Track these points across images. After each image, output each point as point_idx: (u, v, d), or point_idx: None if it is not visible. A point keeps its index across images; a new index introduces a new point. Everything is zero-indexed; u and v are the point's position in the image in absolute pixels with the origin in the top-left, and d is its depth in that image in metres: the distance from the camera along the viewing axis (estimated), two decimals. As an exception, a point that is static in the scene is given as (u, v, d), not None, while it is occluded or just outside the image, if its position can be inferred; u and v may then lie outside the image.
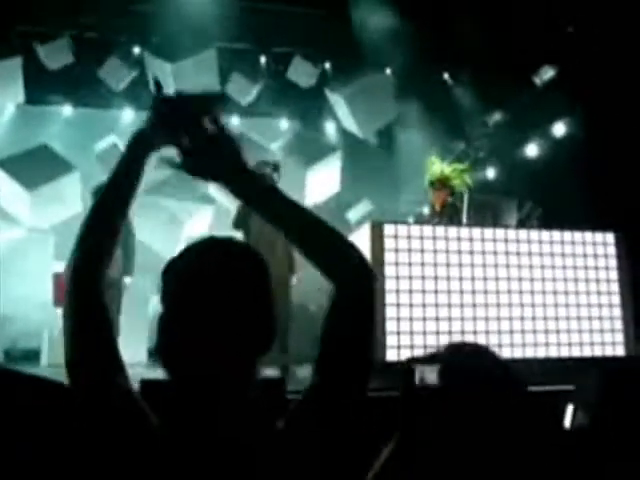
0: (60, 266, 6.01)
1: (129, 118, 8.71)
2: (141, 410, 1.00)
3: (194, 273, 1.02)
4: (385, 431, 1.10)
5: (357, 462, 1.12)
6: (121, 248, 5.78)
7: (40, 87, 7.56)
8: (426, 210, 6.30)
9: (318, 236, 1.07)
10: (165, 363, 1.01)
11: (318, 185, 6.55)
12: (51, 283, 6.07)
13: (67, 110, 8.63)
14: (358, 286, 1.05)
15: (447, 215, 5.04)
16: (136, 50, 7.50)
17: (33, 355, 6.40)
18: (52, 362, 5.76)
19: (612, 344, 4.32)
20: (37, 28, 7.15)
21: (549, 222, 4.87)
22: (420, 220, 5.86)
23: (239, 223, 4.90)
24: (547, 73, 6.54)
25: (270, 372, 4.27)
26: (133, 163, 1.14)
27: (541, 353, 4.17)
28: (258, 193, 1.08)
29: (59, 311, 6.16)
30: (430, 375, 1.00)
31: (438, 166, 5.12)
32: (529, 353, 4.11)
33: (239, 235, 4.87)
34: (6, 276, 6.87)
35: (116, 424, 0.98)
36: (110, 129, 8.33)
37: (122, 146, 7.88)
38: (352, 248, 1.08)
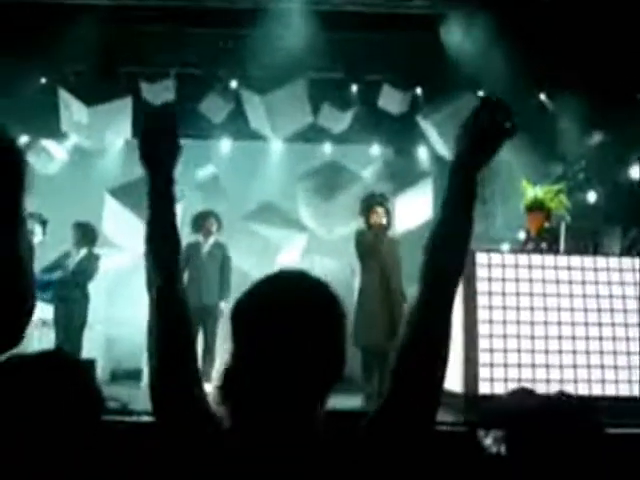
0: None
1: (227, 148, 9.10)
2: (212, 416, 1.05)
3: (264, 314, 1.04)
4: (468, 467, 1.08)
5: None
6: (218, 273, 6.03)
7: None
8: (522, 235, 6.09)
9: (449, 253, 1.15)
10: (234, 402, 1.04)
11: (409, 211, 6.50)
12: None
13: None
14: (442, 320, 1.11)
15: (544, 240, 4.83)
16: (233, 84, 7.86)
17: (135, 375, 6.75)
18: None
19: None
20: (142, 68, 7.67)
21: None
22: (515, 246, 5.66)
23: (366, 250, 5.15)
24: (653, 90, 6.17)
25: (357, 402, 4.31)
26: (157, 189, 1.28)
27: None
28: None
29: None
30: (493, 442, 0.98)
31: (531, 190, 4.96)
32: (636, 391, 3.83)
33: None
34: (113, 300, 7.34)
35: (189, 431, 1.04)
36: (209, 159, 8.74)
37: (219, 175, 8.27)
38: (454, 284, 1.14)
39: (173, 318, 1.17)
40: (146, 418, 3.35)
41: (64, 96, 7.12)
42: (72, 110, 7.14)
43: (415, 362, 1.06)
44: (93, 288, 6.38)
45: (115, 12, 6.66)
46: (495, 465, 1.01)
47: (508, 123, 1.17)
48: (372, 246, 5.07)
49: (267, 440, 1.00)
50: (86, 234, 6.22)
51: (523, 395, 1.11)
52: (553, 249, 4.48)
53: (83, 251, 6.24)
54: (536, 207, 4.92)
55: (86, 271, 6.17)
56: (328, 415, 1.08)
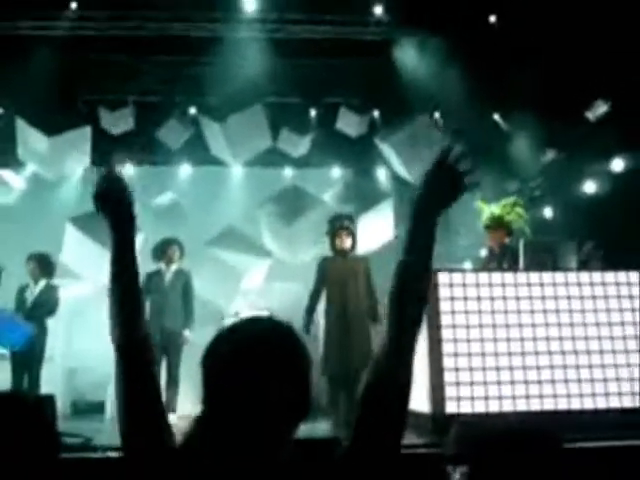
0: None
1: (187, 174, 9.04)
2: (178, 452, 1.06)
3: (232, 361, 1.06)
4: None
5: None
6: (181, 301, 5.95)
7: (104, 149, 7.98)
8: (483, 253, 6.19)
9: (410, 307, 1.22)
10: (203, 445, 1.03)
11: (371, 232, 6.55)
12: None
13: (129, 169, 9.04)
14: (405, 367, 1.15)
15: (505, 257, 4.94)
16: (192, 110, 7.85)
17: (99, 407, 6.56)
18: (115, 415, 5.88)
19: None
20: (101, 96, 7.60)
21: (612, 263, 4.68)
22: (478, 264, 5.76)
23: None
24: (600, 108, 6.41)
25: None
26: (119, 238, 1.32)
27: (614, 403, 3.95)
28: None
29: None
30: (461, 477, 1.01)
31: (487, 208, 5.09)
32: (601, 404, 3.90)
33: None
34: (73, 331, 7.15)
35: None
36: (169, 185, 8.67)
37: (179, 200, 8.19)
38: (415, 335, 1.21)
39: (138, 362, 1.18)
40: (112, 454, 3.25)
41: (21, 125, 7.00)
42: (30, 139, 7.02)
43: (381, 399, 1.11)
44: (52, 319, 6.21)
45: (72, 42, 6.61)
46: None
47: (468, 175, 1.25)
48: (331, 274, 5.11)
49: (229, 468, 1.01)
50: (44, 265, 6.07)
51: (486, 424, 1.14)
52: (514, 266, 4.58)
53: (42, 283, 6.08)
54: (495, 224, 5.05)
55: (47, 304, 6.01)
56: (298, 444, 1.09)
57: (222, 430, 1.03)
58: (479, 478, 1.06)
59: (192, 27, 6.69)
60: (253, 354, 1.05)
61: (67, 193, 8.62)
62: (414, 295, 1.21)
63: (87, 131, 7.33)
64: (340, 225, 5.25)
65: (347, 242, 5.20)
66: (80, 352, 7.09)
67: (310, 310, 5.17)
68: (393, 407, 1.11)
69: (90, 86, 7.52)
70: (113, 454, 3.23)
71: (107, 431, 5.20)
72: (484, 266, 5.12)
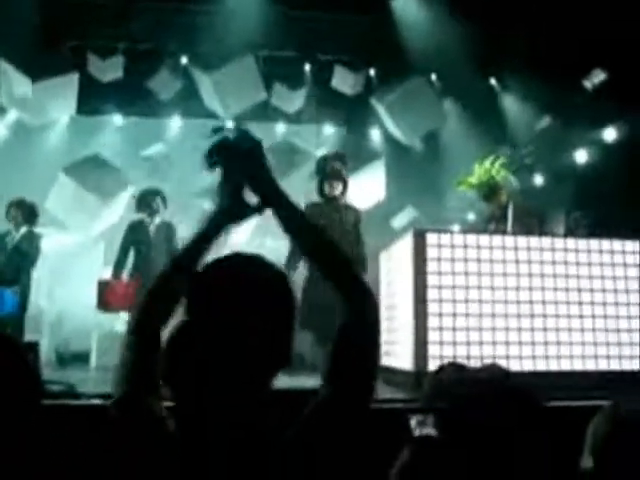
0: (108, 270, 6.21)
1: (177, 126, 8.91)
2: (162, 420, 1.04)
3: (217, 290, 1.05)
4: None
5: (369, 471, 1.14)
6: (165, 254, 5.92)
7: (92, 98, 7.82)
8: (471, 216, 6.19)
9: (328, 259, 1.17)
10: (176, 374, 1.02)
11: (362, 192, 6.53)
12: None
13: (118, 119, 8.90)
14: (365, 309, 1.13)
15: (514, 216, 4.72)
16: (184, 60, 7.68)
17: (84, 357, 6.60)
18: (100, 364, 5.93)
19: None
20: (89, 42, 7.39)
21: (599, 230, 4.72)
22: (465, 227, 5.73)
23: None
24: (598, 76, 6.36)
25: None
26: (209, 236, 1.21)
27: (590, 366, 4.04)
28: (285, 205, 1.19)
29: (105, 315, 6.32)
30: (427, 426, 1.02)
31: (471, 180, 4.80)
32: (577, 366, 3.98)
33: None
34: (59, 280, 7.14)
35: (140, 435, 1.03)
36: (159, 137, 8.55)
37: (169, 152, 8.09)
38: (356, 276, 1.18)
39: (149, 348, 1.13)
40: (95, 401, 3.27)
41: (4, 69, 6.79)
42: (13, 84, 6.83)
43: (352, 341, 1.11)
44: (37, 268, 6.18)
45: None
46: (422, 447, 1.04)
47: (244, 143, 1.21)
48: (318, 222, 4.81)
49: (213, 421, 1.01)
50: (26, 212, 5.99)
51: (453, 371, 1.14)
52: (527, 224, 4.53)
53: (23, 230, 6.01)
54: (491, 190, 4.87)
55: (28, 250, 5.95)
56: (278, 395, 1.08)
57: (199, 363, 1.01)
58: (445, 424, 1.07)
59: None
60: (241, 285, 1.05)
61: (51, 141, 8.50)
62: (324, 249, 1.18)
63: (74, 78, 7.15)
64: (331, 169, 4.86)
65: (337, 188, 4.84)
66: (64, 302, 7.10)
67: (291, 258, 4.54)
68: (364, 349, 1.10)
69: (78, 30, 7.30)
70: (97, 401, 3.25)
71: (91, 379, 5.25)
72: (487, 228, 4.93)
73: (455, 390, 1.12)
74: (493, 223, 4.82)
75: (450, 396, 1.11)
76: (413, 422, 1.06)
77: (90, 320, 6.61)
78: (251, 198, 1.21)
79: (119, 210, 6.64)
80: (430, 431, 1.04)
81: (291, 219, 1.19)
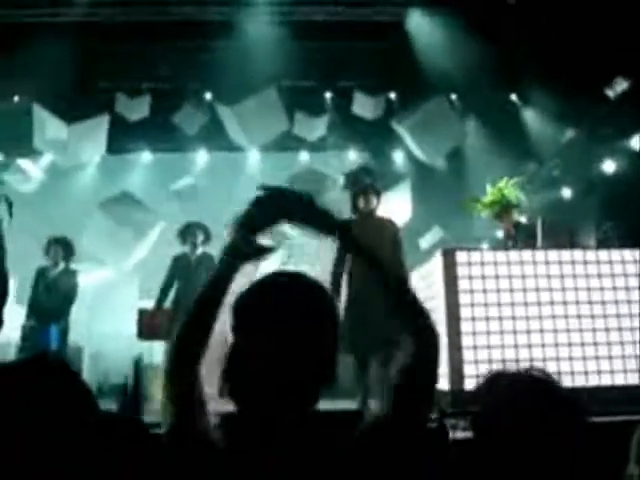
0: (143, 303, 6.33)
1: (203, 159, 9.11)
2: (212, 441, 1.07)
3: (263, 308, 1.08)
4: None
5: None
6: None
7: (120, 137, 8.06)
8: (500, 234, 6.13)
9: (398, 296, 1.21)
10: (232, 392, 1.07)
11: (389, 214, 6.54)
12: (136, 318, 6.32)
13: (146, 156, 9.14)
14: (430, 345, 1.17)
15: (522, 236, 4.81)
16: (208, 96, 7.88)
17: (121, 389, 6.68)
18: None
19: None
20: (118, 83, 7.65)
21: (631, 241, 4.65)
22: (494, 244, 5.70)
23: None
24: (620, 85, 6.31)
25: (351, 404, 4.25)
26: (228, 272, 1.21)
27: (633, 380, 3.95)
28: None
29: (144, 344, 6.41)
30: (461, 429, 1.03)
31: (485, 202, 4.79)
32: (618, 380, 3.90)
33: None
34: (97, 314, 7.30)
35: (190, 454, 1.06)
36: (186, 170, 8.75)
37: (197, 185, 8.26)
38: (425, 317, 1.20)
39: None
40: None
41: (39, 114, 7.06)
42: (47, 128, 7.09)
43: (415, 376, 1.14)
44: (75, 304, 6.32)
45: (87, 29, 6.66)
46: (462, 451, 1.06)
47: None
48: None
49: (266, 434, 1.03)
50: (65, 249, 6.17)
51: (494, 378, 1.15)
52: (529, 245, 4.55)
53: (61, 266, 6.18)
54: (505, 208, 4.87)
55: (66, 287, 6.09)
56: (320, 415, 1.11)
57: (251, 381, 1.04)
58: (482, 427, 1.08)
59: (205, 12, 6.70)
60: (288, 301, 1.07)
61: (84, 180, 8.77)
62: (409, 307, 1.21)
63: (104, 119, 7.40)
64: (364, 182, 4.68)
65: (373, 202, 4.58)
66: (102, 336, 7.24)
67: (335, 280, 4.32)
68: (426, 383, 1.15)
69: (106, 73, 7.58)
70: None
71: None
72: (504, 247, 4.96)
73: (489, 394, 1.13)
74: (510, 242, 4.79)
75: (485, 399, 1.13)
76: (447, 425, 1.08)
77: (128, 352, 6.72)
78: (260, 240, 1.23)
79: (150, 244, 6.79)
80: (464, 434, 1.06)
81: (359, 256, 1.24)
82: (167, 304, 5.89)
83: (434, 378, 1.18)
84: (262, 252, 1.21)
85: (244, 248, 1.20)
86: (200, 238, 6.03)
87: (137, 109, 7.61)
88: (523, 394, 1.09)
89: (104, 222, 6.70)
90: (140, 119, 7.77)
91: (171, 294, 5.91)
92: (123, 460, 1.26)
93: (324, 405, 1.15)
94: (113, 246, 6.70)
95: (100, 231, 6.76)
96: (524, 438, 1.03)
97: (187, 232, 6.05)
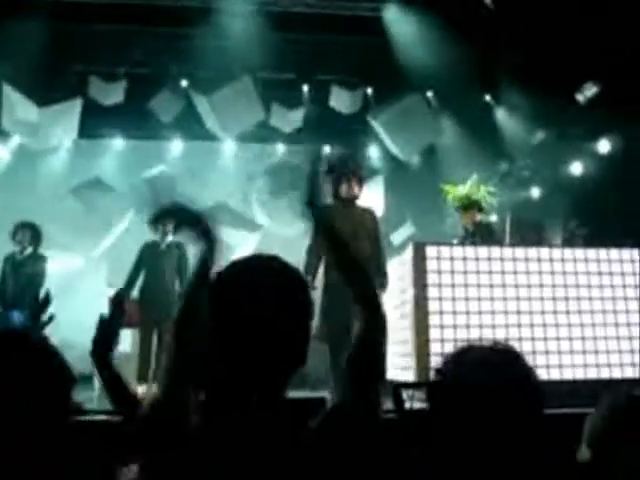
0: (112, 291, 6.26)
1: (178, 148, 9.03)
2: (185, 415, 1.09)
3: (236, 292, 1.09)
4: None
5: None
6: (175, 273, 5.96)
7: (93, 121, 7.93)
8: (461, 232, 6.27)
9: (354, 281, 1.27)
10: (205, 377, 1.08)
11: (362, 207, 6.60)
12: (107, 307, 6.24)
13: (119, 142, 9.02)
14: (377, 319, 1.23)
15: (480, 234, 4.99)
16: (184, 83, 7.80)
17: (88, 380, 6.60)
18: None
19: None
20: (92, 67, 7.52)
21: (595, 240, 4.78)
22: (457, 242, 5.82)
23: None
24: (590, 90, 6.47)
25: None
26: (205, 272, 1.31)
27: (592, 374, 4.07)
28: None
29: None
30: (414, 399, 1.06)
31: (454, 190, 5.10)
32: (579, 374, 4.02)
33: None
34: (64, 302, 7.19)
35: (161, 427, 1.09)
36: (160, 158, 8.66)
37: (171, 174, 8.19)
38: (376, 305, 1.26)
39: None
40: (101, 417, 3.32)
41: (9, 94, 6.89)
42: (17, 109, 6.94)
43: (363, 364, 1.19)
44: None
45: (63, 9, 6.52)
46: (415, 420, 1.10)
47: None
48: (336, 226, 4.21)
49: (237, 421, 1.05)
50: (34, 235, 6.06)
51: (458, 353, 1.18)
52: (489, 241, 4.67)
53: (28, 251, 6.07)
54: (464, 204, 5.14)
55: (34, 272, 5.99)
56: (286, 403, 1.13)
57: (226, 363, 1.06)
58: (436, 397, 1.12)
59: (185, -2, 6.64)
60: (264, 283, 1.09)
61: (54, 164, 8.60)
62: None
63: (77, 103, 7.27)
64: (350, 169, 4.48)
65: (356, 189, 4.41)
66: (68, 325, 7.13)
67: (308, 268, 4.22)
68: (374, 369, 1.18)
69: (81, 56, 7.44)
70: (103, 417, 3.30)
71: (96, 399, 5.26)
72: (461, 243, 5.16)
73: (451, 365, 1.16)
74: (468, 238, 4.94)
75: (445, 371, 1.16)
76: (405, 395, 1.11)
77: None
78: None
79: (120, 231, 6.72)
80: (421, 404, 1.09)
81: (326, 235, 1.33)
82: (135, 292, 5.84)
83: (381, 354, 1.22)
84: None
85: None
86: (170, 226, 5.97)
87: (112, 94, 7.49)
88: (479, 366, 1.12)
89: (74, 208, 6.61)
90: (114, 104, 7.65)
91: (139, 282, 5.86)
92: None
93: (300, 394, 1.18)
94: (82, 233, 6.63)
95: (69, 217, 6.67)
96: (478, 408, 1.06)
97: (157, 220, 5.98)
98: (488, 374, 1.10)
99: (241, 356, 1.05)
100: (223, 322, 1.08)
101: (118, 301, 1.79)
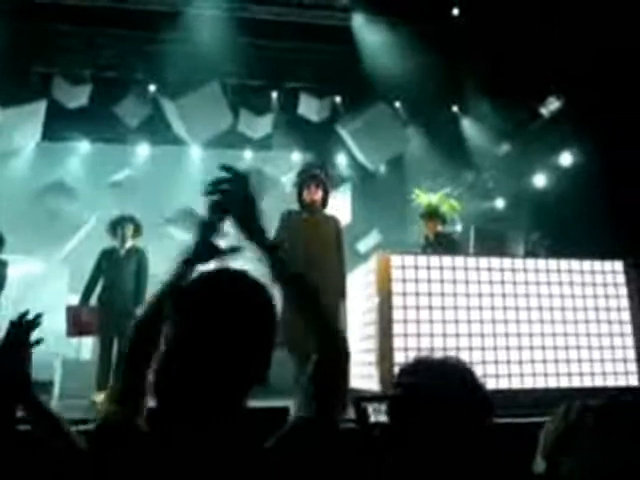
0: (72, 297, 6.12)
1: (144, 152, 8.92)
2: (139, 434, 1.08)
3: (202, 305, 1.07)
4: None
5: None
6: (134, 279, 5.85)
7: (58, 124, 7.78)
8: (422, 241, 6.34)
9: (311, 315, 1.27)
10: (161, 386, 1.06)
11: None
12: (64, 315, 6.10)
13: (84, 146, 8.87)
14: (338, 357, 1.22)
15: (441, 245, 5.08)
16: (152, 88, 7.72)
17: (47, 387, 6.44)
18: (63, 393, 5.81)
19: (625, 374, 4.27)
20: (57, 69, 7.39)
21: (557, 251, 4.88)
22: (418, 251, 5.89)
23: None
24: (553, 104, 6.62)
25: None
26: (186, 274, 1.29)
27: (552, 383, 4.13)
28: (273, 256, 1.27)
29: (72, 342, 6.20)
30: (380, 413, 1.07)
31: (424, 197, 5.20)
32: (540, 383, 4.08)
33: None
34: (23, 308, 7.00)
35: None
36: (126, 162, 8.55)
37: (136, 178, 8.08)
38: (332, 330, 1.26)
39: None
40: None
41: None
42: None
43: (326, 378, 1.19)
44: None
45: (28, 10, 6.40)
46: (377, 434, 1.10)
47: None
48: (296, 232, 4.20)
49: (192, 432, 1.03)
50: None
51: (412, 365, 1.19)
52: (450, 251, 4.74)
53: (-12, 256, 5.91)
54: (430, 214, 5.23)
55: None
56: (251, 412, 1.12)
57: (184, 373, 1.04)
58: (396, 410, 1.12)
59: (153, 1, 6.57)
60: (227, 299, 1.08)
61: (17, 167, 8.40)
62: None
63: (42, 105, 7.13)
64: (310, 174, 4.52)
65: (317, 194, 4.43)
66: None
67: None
68: (335, 390, 1.18)
69: (45, 57, 7.30)
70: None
71: (55, 407, 5.14)
72: (422, 252, 5.25)
73: (408, 378, 1.16)
74: (429, 248, 5.03)
75: (404, 384, 1.16)
76: (370, 410, 1.11)
77: (52, 350, 6.48)
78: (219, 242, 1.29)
79: (83, 236, 6.59)
80: (384, 418, 1.09)
81: (276, 266, 1.27)
82: (94, 299, 5.72)
83: (342, 375, 1.21)
84: (225, 253, 1.27)
85: (205, 248, 1.27)
86: (130, 231, 5.88)
87: (76, 96, 7.37)
88: (436, 380, 1.13)
89: (37, 212, 6.47)
90: (80, 106, 7.53)
91: (98, 289, 5.75)
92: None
93: (265, 403, 1.17)
94: (43, 237, 6.48)
95: (32, 221, 6.52)
96: (436, 423, 1.07)
97: (117, 225, 5.88)
98: (440, 386, 1.11)
99: (198, 367, 1.03)
100: (183, 332, 1.06)
101: (22, 330, 1.43)
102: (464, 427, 1.08)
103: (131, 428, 1.08)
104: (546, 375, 4.11)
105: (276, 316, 1.14)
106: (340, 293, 4.25)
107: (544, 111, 6.70)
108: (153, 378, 1.07)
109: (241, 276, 1.14)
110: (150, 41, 7.21)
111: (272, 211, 5.99)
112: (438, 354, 1.22)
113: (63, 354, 6.38)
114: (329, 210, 4.77)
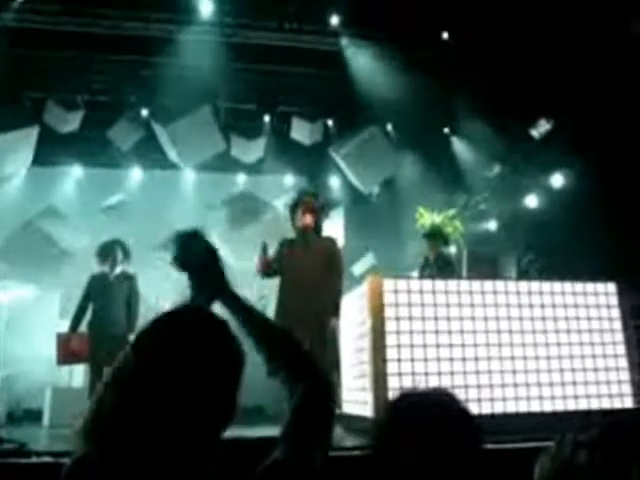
0: (64, 323, 6.06)
1: (137, 176, 8.92)
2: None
3: (161, 345, 1.04)
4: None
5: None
6: (125, 305, 5.80)
7: (50, 149, 7.77)
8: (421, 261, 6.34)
9: (281, 354, 1.25)
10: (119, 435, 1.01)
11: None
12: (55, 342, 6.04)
13: (77, 170, 8.86)
14: (317, 392, 1.20)
15: (438, 265, 5.10)
16: (144, 112, 7.74)
17: (36, 415, 6.35)
18: (54, 422, 5.72)
19: (620, 395, 4.24)
20: (50, 94, 7.40)
21: (550, 273, 4.88)
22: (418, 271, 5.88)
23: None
24: (544, 126, 6.68)
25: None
26: None
27: (547, 407, 4.10)
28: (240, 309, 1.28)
29: (64, 369, 6.13)
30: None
31: (428, 217, 5.22)
32: (534, 407, 4.04)
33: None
34: (13, 335, 6.92)
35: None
36: (118, 187, 8.54)
37: (130, 203, 8.05)
38: (305, 364, 1.25)
39: None
40: (47, 459, 3.16)
41: (-40, 121, 6.71)
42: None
43: (310, 410, 1.17)
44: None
45: (21, 34, 6.42)
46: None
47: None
48: (289, 261, 4.38)
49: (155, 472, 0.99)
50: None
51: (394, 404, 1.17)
52: (447, 272, 4.73)
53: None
54: (434, 234, 5.23)
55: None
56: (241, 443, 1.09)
57: (138, 424, 0.99)
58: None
59: (147, 27, 6.60)
60: (185, 343, 1.04)
61: (8, 193, 8.37)
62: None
63: (34, 131, 7.12)
64: (302, 200, 4.63)
65: (308, 218, 4.54)
66: (18, 358, 6.87)
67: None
68: (317, 432, 1.15)
69: (37, 82, 7.32)
70: (48, 459, 3.13)
71: (43, 437, 5.05)
72: (420, 273, 5.27)
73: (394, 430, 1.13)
74: (427, 268, 5.04)
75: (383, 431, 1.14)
76: None
77: (42, 377, 6.41)
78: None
79: (75, 261, 6.55)
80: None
81: (247, 321, 1.28)
82: (83, 326, 5.66)
83: (326, 416, 1.18)
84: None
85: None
86: (119, 256, 5.83)
87: (68, 121, 7.36)
88: (415, 412, 1.11)
89: (28, 237, 6.43)
90: (71, 131, 7.52)
91: (88, 315, 5.69)
92: None
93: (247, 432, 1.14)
94: (35, 263, 6.42)
95: (24, 247, 6.48)
96: (422, 467, 1.05)
97: (106, 250, 5.84)
98: (424, 419, 1.09)
99: (165, 411, 0.99)
100: (148, 377, 1.02)
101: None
102: (447, 458, 1.06)
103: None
104: (541, 398, 4.07)
105: (241, 356, 1.10)
106: (333, 312, 4.38)
107: (535, 133, 6.74)
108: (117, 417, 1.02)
109: (202, 315, 1.12)
110: (143, 65, 7.24)
111: (265, 235, 6.02)
112: (423, 386, 1.20)
113: (54, 382, 6.29)
114: (324, 234, 4.83)
